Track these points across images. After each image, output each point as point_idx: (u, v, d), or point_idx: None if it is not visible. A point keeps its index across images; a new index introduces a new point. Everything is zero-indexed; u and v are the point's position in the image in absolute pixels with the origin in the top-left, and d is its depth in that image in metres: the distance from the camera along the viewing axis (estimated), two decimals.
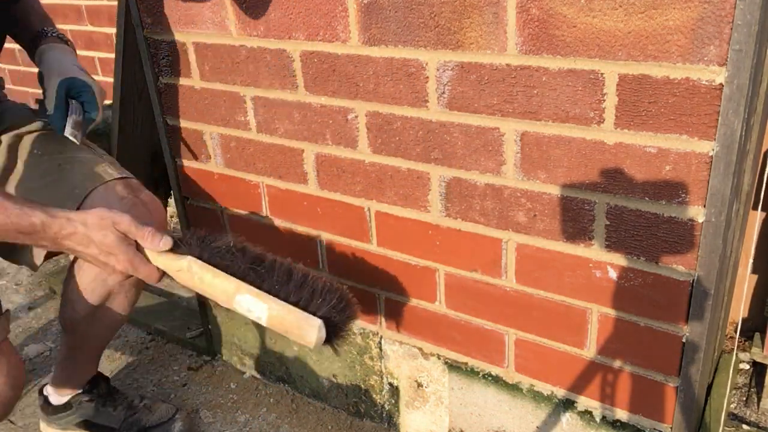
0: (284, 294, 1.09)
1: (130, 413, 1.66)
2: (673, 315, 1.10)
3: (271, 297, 1.07)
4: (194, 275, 1.08)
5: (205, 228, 1.15)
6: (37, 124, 1.45)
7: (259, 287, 1.08)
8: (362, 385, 1.63)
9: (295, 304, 1.08)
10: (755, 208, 1.54)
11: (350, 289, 1.51)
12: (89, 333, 1.54)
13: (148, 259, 1.09)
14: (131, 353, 2.04)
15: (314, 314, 1.08)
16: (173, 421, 1.67)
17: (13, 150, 1.41)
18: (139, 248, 1.09)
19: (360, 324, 1.56)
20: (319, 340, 1.07)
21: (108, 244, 1.05)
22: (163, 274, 1.12)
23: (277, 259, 1.13)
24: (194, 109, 1.57)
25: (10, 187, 1.36)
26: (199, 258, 1.09)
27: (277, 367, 1.80)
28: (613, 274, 1.13)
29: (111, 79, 2.14)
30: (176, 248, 1.10)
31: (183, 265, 1.08)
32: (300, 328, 1.07)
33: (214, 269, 1.08)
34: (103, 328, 1.54)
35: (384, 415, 1.63)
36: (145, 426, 1.65)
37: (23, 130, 1.44)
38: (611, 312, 1.16)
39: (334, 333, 1.10)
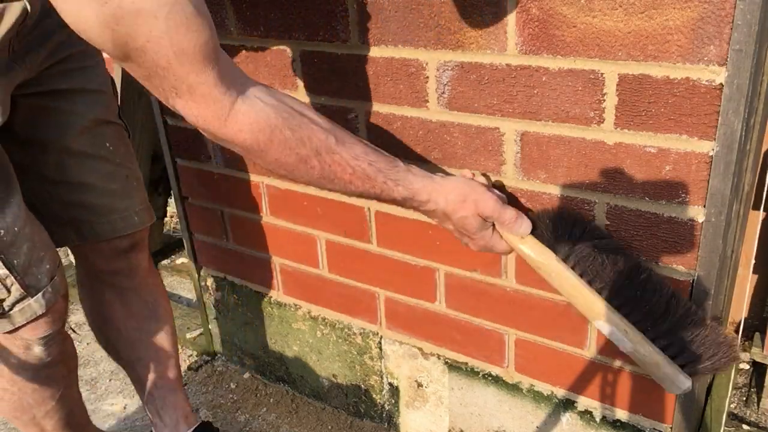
0: (653, 333, 0.97)
1: None
2: None
3: (640, 335, 0.97)
4: (553, 279, 1.02)
5: (566, 213, 1.08)
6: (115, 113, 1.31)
7: (627, 315, 0.98)
8: (362, 385, 1.63)
9: (663, 349, 0.97)
10: (755, 208, 1.53)
11: (350, 289, 1.52)
12: (151, 353, 1.44)
13: (503, 239, 1.05)
14: None
15: (683, 366, 0.97)
16: None
17: (92, 130, 1.25)
18: (494, 229, 1.04)
19: (360, 324, 1.56)
20: (678, 393, 1.00)
21: (466, 227, 1.02)
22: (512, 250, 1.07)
23: (654, 280, 1.00)
24: None
25: (71, 165, 1.23)
26: (565, 257, 1.02)
27: (277, 367, 1.80)
28: None
29: None
30: (537, 235, 1.04)
31: (544, 262, 1.02)
32: (662, 381, 0.99)
33: (579, 280, 1.00)
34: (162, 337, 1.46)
35: (384, 415, 1.63)
36: None
37: (110, 117, 1.29)
38: None
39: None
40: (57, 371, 1.25)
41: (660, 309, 0.98)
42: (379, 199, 0.99)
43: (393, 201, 1.00)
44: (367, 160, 0.95)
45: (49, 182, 1.23)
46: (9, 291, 1.05)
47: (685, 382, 0.97)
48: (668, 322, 0.97)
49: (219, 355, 1.96)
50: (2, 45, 0.98)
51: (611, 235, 1.06)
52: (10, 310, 1.07)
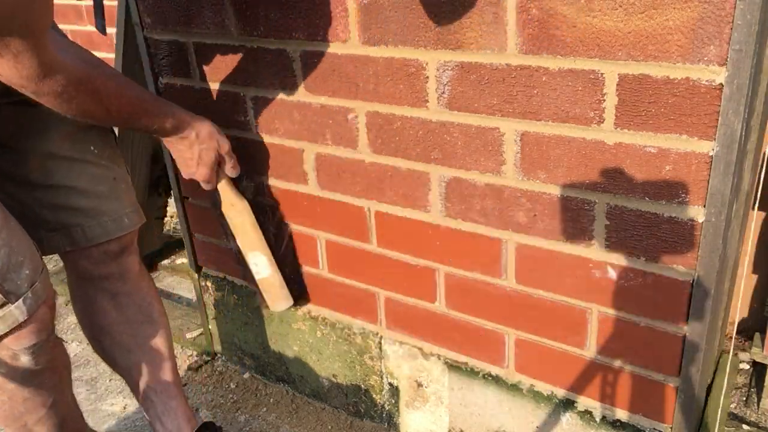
0: (280, 266, 1.35)
1: None
2: (673, 315, 1.10)
3: (276, 266, 1.32)
4: (239, 214, 1.33)
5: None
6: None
7: (271, 250, 1.34)
8: (362, 385, 1.63)
9: (284, 277, 1.36)
10: (755, 208, 1.54)
11: (350, 289, 1.52)
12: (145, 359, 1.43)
13: (218, 177, 1.32)
14: None
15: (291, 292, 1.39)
16: None
17: (75, 134, 1.28)
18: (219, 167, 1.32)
19: (360, 324, 1.56)
20: (284, 308, 1.43)
21: (205, 158, 1.27)
22: (216, 190, 1.35)
23: (287, 230, 1.37)
24: (194, 109, 1.56)
25: (57, 169, 1.26)
26: (249, 204, 1.34)
27: (277, 367, 1.80)
28: (612, 274, 1.13)
29: None
30: (238, 184, 1.35)
31: (238, 203, 1.33)
32: (275, 298, 1.38)
33: (253, 220, 1.33)
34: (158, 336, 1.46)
35: (384, 415, 1.63)
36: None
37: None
38: (611, 312, 1.16)
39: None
40: (47, 379, 1.23)
41: (285, 250, 1.40)
42: (156, 130, 1.21)
43: (166, 130, 1.22)
44: (143, 98, 1.17)
45: (37, 188, 1.23)
46: None
47: (291, 300, 1.42)
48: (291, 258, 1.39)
49: (219, 355, 1.96)
50: None
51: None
52: None
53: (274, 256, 1.35)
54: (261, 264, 1.32)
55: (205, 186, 1.33)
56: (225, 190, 1.33)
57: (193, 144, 1.25)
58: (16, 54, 0.89)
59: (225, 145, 1.30)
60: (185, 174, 1.33)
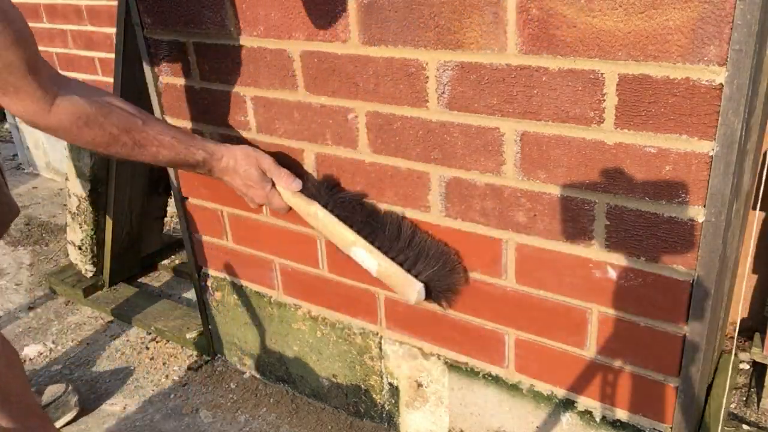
0: (393, 252, 1.27)
1: None
2: (673, 315, 1.10)
3: (381, 255, 1.26)
4: (319, 221, 1.31)
5: (331, 179, 1.37)
6: None
7: (372, 242, 1.28)
8: (362, 385, 1.63)
9: (402, 264, 1.26)
10: (755, 208, 1.54)
11: (350, 289, 1.52)
12: None
13: (280, 196, 1.34)
14: (131, 353, 2.04)
15: (417, 276, 1.26)
16: (67, 394, 1.75)
17: None
18: (274, 186, 1.34)
19: (360, 324, 1.56)
20: (417, 301, 1.27)
21: (250, 177, 1.31)
22: (290, 208, 1.35)
23: (389, 214, 1.30)
24: (194, 109, 1.57)
25: None
26: (325, 206, 1.31)
27: (277, 367, 1.80)
28: (612, 274, 1.13)
29: (111, 79, 2.14)
30: (305, 192, 1.33)
31: (310, 210, 1.32)
32: (402, 288, 1.27)
33: (336, 219, 1.30)
34: None
35: (384, 415, 1.63)
36: (41, 406, 1.68)
37: None
38: (611, 312, 1.16)
39: (435, 291, 1.28)
40: None
41: (393, 234, 1.27)
42: (186, 163, 1.28)
43: (196, 162, 1.28)
44: (170, 134, 1.24)
45: None
46: None
47: (417, 284, 1.25)
48: (400, 242, 1.27)
49: (219, 355, 1.96)
50: None
51: (358, 191, 1.35)
52: None
53: (380, 244, 1.27)
54: (365, 258, 1.26)
55: (280, 211, 1.38)
56: (295, 204, 1.32)
57: (236, 171, 1.31)
58: (16, 90, 1.04)
59: (264, 161, 1.32)
60: (251, 204, 1.39)
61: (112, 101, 1.20)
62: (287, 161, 1.45)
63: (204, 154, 1.28)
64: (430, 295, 1.29)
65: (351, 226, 1.29)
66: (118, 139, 1.18)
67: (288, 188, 1.33)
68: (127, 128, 1.19)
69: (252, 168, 1.31)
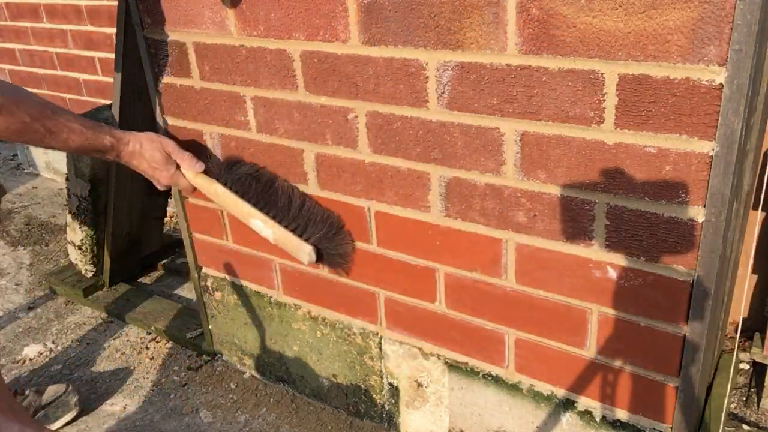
0: (286, 221, 1.42)
1: (20, 400, 1.71)
2: (673, 315, 1.10)
3: (275, 224, 1.40)
4: (220, 197, 1.44)
5: (231, 157, 1.50)
6: None
7: (268, 212, 1.42)
8: (362, 385, 1.63)
9: (294, 230, 1.41)
10: (755, 208, 1.54)
11: (350, 289, 1.52)
12: None
13: (185, 177, 1.43)
14: (131, 353, 2.04)
15: (308, 240, 1.41)
16: (68, 394, 1.76)
17: None
18: (179, 168, 1.43)
19: (360, 324, 1.56)
20: (309, 262, 1.41)
21: (155, 160, 1.39)
22: (195, 189, 1.46)
23: (281, 186, 1.44)
24: (194, 109, 1.57)
25: None
26: (225, 184, 1.43)
27: (277, 367, 1.80)
28: (613, 274, 1.13)
29: (111, 79, 2.14)
30: (208, 172, 1.44)
31: (211, 188, 1.43)
32: (296, 251, 1.41)
33: (235, 196, 1.43)
34: None
35: (384, 415, 1.63)
36: (41, 405, 1.72)
37: None
38: (611, 312, 1.16)
39: (327, 254, 1.43)
40: None
41: (285, 204, 1.42)
42: (95, 148, 1.34)
43: (104, 147, 1.35)
44: (79, 122, 1.31)
45: None
46: None
47: (307, 247, 1.40)
48: (292, 211, 1.42)
49: (219, 355, 1.96)
50: None
51: (253, 162, 1.48)
52: None
53: (274, 213, 1.43)
54: (262, 228, 1.41)
55: (185, 191, 1.48)
56: (198, 183, 1.43)
57: (141, 155, 1.39)
58: None
59: (168, 145, 1.41)
60: (159, 186, 1.46)
61: (21, 91, 1.25)
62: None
63: (111, 140, 1.35)
64: (322, 258, 1.44)
65: (249, 200, 1.43)
66: (31, 127, 1.23)
67: (191, 169, 1.43)
68: (39, 116, 1.23)
69: (157, 152, 1.39)
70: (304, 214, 1.41)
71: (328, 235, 1.42)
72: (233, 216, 1.65)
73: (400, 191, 1.32)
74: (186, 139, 1.58)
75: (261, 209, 1.43)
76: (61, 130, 1.28)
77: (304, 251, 1.40)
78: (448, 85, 1.15)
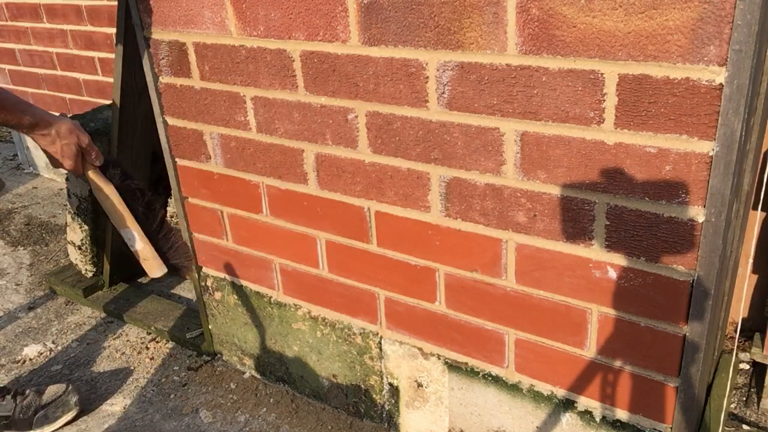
0: (154, 240, 1.52)
1: (20, 399, 1.72)
2: (673, 315, 1.10)
3: (146, 239, 1.50)
4: (107, 197, 1.49)
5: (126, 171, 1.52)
6: None
7: (142, 227, 1.50)
8: (362, 385, 1.63)
9: (158, 250, 1.52)
10: (755, 208, 1.54)
11: (350, 289, 1.52)
12: None
13: (84, 168, 1.49)
14: (131, 353, 2.04)
15: (167, 261, 1.53)
16: (68, 394, 1.76)
17: None
18: (83, 159, 1.47)
19: (360, 324, 1.56)
20: (159, 275, 1.52)
21: (67, 152, 1.44)
22: (83, 175, 1.51)
23: (158, 209, 1.53)
24: (194, 109, 1.57)
25: None
26: (117, 188, 1.49)
27: (277, 367, 1.80)
28: (613, 274, 1.13)
29: (111, 79, 2.14)
30: (105, 171, 1.50)
31: (105, 187, 1.48)
32: (151, 268, 1.51)
33: (120, 200, 1.49)
34: None
35: (384, 415, 1.63)
36: (42, 405, 1.73)
37: None
38: (611, 312, 1.16)
39: (174, 270, 1.57)
40: None
41: (158, 226, 1.52)
42: (15, 124, 1.38)
43: (24, 125, 1.39)
44: (2, 97, 1.35)
45: None
46: None
47: (164, 268, 1.51)
48: (162, 233, 1.53)
49: (219, 355, 1.96)
50: None
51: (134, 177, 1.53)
52: None
53: (145, 231, 1.52)
54: (132, 238, 1.50)
55: (74, 175, 1.52)
56: (93, 177, 1.49)
57: (54, 140, 1.43)
58: None
59: (84, 139, 1.45)
60: (54, 165, 1.50)
61: None
62: (287, 161, 1.46)
63: (32, 119, 1.40)
64: (168, 271, 1.54)
65: (131, 210, 1.50)
66: None
67: (92, 163, 1.48)
68: None
69: (72, 144, 1.44)
70: (170, 239, 1.55)
71: (182, 261, 1.58)
72: (234, 216, 1.66)
73: (400, 191, 1.32)
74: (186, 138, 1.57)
75: (138, 222, 1.52)
76: None
77: (161, 270, 1.52)
78: (448, 85, 1.15)
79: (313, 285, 1.59)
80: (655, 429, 1.21)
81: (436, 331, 1.42)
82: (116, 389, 1.88)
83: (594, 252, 1.13)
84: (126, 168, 1.56)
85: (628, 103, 0.99)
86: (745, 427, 1.56)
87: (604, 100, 1.01)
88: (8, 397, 1.72)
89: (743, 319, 1.78)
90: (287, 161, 1.46)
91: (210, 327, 1.93)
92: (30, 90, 3.31)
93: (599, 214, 1.10)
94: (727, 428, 1.53)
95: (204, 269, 1.84)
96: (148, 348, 2.06)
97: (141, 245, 1.50)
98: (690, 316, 1.08)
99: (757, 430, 1.54)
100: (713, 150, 0.95)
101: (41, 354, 2.06)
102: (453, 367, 1.43)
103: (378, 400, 1.62)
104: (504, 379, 1.37)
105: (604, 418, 1.27)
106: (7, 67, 3.39)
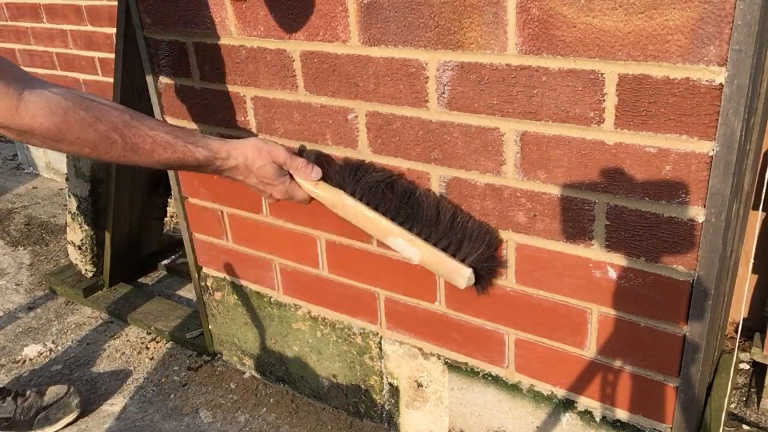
0: (435, 237, 1.16)
1: (21, 401, 1.72)
2: (673, 315, 1.10)
3: (422, 242, 1.15)
4: (348, 211, 1.19)
5: (353, 162, 1.27)
6: None
7: (410, 228, 1.17)
8: (362, 385, 1.63)
9: (445, 249, 1.16)
10: (755, 208, 1.54)
11: (350, 289, 1.52)
12: None
13: (300, 187, 1.21)
14: (131, 353, 2.04)
15: (463, 261, 1.15)
16: (69, 396, 1.76)
17: None
18: (293, 178, 1.20)
19: (360, 324, 1.56)
20: (468, 285, 1.17)
21: (266, 175, 1.17)
22: (312, 199, 1.23)
23: (425, 195, 1.19)
24: (194, 109, 1.57)
25: None
26: (352, 193, 1.19)
27: (277, 367, 1.80)
28: (613, 274, 1.13)
29: (111, 79, 2.14)
30: (328, 180, 1.21)
31: (336, 199, 1.20)
32: (450, 275, 1.17)
33: (366, 207, 1.18)
34: None
35: (384, 415, 1.63)
36: (43, 406, 1.73)
37: None
38: (611, 312, 1.16)
39: (483, 276, 1.19)
40: None
41: (432, 217, 1.17)
42: (185, 164, 1.11)
43: (197, 163, 1.12)
44: (164, 129, 1.08)
45: None
46: None
47: (465, 270, 1.15)
48: (441, 226, 1.17)
49: (219, 355, 1.96)
50: None
51: (383, 168, 1.25)
52: None
53: (420, 229, 1.18)
54: (404, 247, 1.15)
55: (302, 203, 1.25)
56: (317, 194, 1.20)
57: (248, 170, 1.16)
58: None
59: (279, 154, 1.18)
60: (271, 200, 1.28)
61: (92, 95, 1.04)
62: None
63: (205, 152, 1.12)
64: (479, 280, 1.19)
65: (384, 213, 1.18)
66: (108, 138, 1.01)
67: (308, 179, 1.20)
68: (115, 124, 1.01)
69: (267, 164, 1.16)
70: (457, 229, 1.16)
71: (487, 254, 1.17)
72: (234, 216, 1.65)
73: None
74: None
75: (401, 224, 1.17)
76: (144, 141, 1.05)
77: (462, 275, 1.14)
78: (448, 85, 1.15)
79: (313, 285, 1.59)
80: (655, 429, 1.21)
81: (436, 331, 1.42)
82: (116, 389, 1.88)
83: (594, 252, 1.13)
84: (351, 163, 1.23)
85: (628, 103, 0.99)
86: (745, 427, 1.56)
87: (604, 100, 1.01)
88: (8, 398, 1.72)
89: (743, 319, 1.78)
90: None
91: (210, 327, 1.93)
92: None
93: (599, 214, 1.10)
94: (727, 428, 1.53)
95: (204, 269, 1.84)
96: (148, 348, 2.06)
97: (416, 252, 1.14)
98: (690, 316, 1.08)
99: (757, 430, 1.54)
100: (713, 150, 0.95)
101: (41, 354, 2.06)
102: (453, 367, 1.43)
103: (378, 400, 1.62)
104: (504, 379, 1.37)
105: (604, 418, 1.27)
106: None
